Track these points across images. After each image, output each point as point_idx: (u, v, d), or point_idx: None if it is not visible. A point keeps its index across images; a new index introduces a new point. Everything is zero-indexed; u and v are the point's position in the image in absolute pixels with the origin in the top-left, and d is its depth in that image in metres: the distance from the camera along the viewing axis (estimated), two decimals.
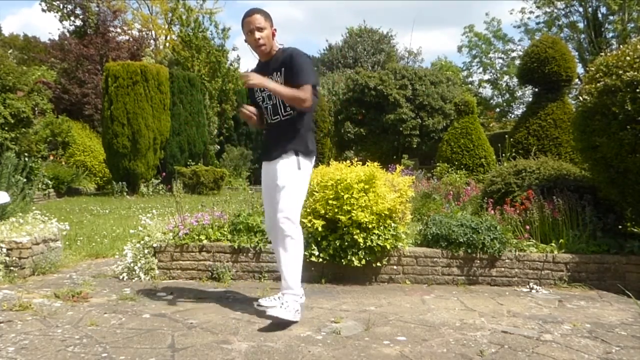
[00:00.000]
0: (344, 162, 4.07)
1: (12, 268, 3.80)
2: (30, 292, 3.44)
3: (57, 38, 19.60)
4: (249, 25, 2.91)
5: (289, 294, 2.84)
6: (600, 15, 23.06)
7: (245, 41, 3.00)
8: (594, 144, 4.00)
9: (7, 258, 3.80)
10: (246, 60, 53.80)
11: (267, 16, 2.94)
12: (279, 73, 2.95)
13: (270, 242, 3.89)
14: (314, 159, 3.04)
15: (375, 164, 3.91)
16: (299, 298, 2.95)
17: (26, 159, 6.54)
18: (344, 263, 3.76)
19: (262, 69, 3.04)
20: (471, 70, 30.95)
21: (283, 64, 2.94)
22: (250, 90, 3.11)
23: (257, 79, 2.84)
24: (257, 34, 2.90)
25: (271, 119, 3.06)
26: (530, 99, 10.89)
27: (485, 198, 5.01)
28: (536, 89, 9.68)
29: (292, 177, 2.88)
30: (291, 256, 2.85)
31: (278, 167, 2.93)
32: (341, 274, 3.86)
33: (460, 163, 10.65)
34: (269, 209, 3.11)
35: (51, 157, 13.98)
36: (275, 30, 2.99)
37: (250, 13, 2.93)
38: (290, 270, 2.86)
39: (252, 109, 3.08)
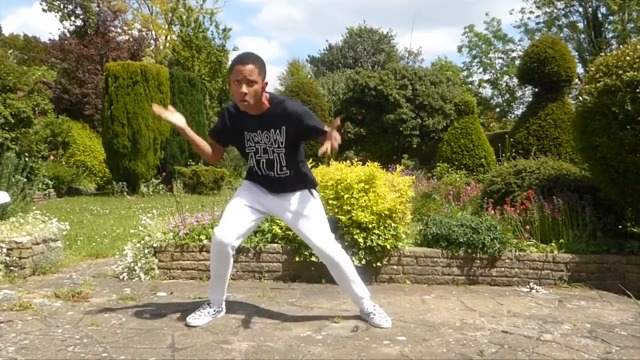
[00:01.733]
0: (344, 162, 4.07)
1: (12, 268, 3.80)
2: (30, 292, 3.44)
3: (57, 38, 19.58)
4: (238, 75, 2.51)
5: (366, 301, 2.86)
6: (600, 15, 23.08)
7: (228, 85, 2.66)
8: (594, 144, 4.00)
9: (8, 258, 3.80)
10: None
11: (261, 68, 2.55)
12: (278, 131, 2.65)
13: (270, 242, 3.90)
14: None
15: (375, 164, 3.91)
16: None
17: (26, 159, 6.55)
18: None
19: (252, 123, 2.67)
20: (471, 70, 30.97)
21: (283, 120, 2.63)
22: (233, 130, 2.74)
23: (335, 143, 2.39)
24: (245, 88, 2.50)
25: (263, 171, 2.77)
26: (530, 99, 10.91)
27: (485, 198, 5.01)
28: (536, 89, 9.70)
29: (315, 205, 2.78)
30: (351, 271, 2.80)
31: (294, 198, 2.77)
32: None
33: (460, 163, 10.66)
34: (239, 220, 2.74)
35: (51, 157, 13.97)
36: (266, 83, 2.59)
37: (244, 61, 2.52)
38: (359, 284, 2.83)
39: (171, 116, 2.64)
